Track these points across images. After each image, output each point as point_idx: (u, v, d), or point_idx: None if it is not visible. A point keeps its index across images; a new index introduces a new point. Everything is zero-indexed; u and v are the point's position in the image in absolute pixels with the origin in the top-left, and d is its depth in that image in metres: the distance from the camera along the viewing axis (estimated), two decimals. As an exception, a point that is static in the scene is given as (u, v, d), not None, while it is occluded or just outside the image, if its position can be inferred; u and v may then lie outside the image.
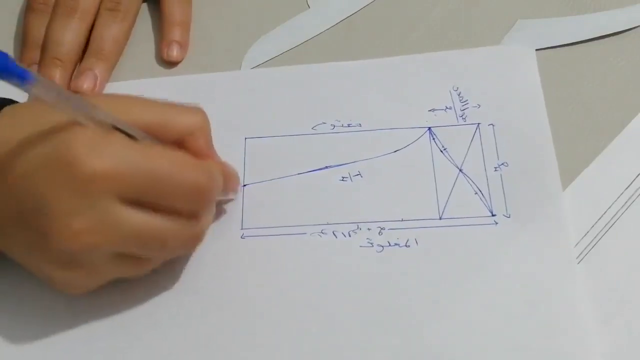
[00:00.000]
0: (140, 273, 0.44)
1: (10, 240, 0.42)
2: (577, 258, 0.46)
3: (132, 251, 0.42)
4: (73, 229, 0.39)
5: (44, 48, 0.55)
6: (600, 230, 0.46)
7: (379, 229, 0.47)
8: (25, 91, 0.35)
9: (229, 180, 0.47)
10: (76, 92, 0.53)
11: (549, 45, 0.54)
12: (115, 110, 0.41)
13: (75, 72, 0.55)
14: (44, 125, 0.39)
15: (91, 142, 0.39)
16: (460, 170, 0.49)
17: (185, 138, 0.43)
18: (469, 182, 0.49)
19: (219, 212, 0.48)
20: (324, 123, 0.52)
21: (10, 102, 0.44)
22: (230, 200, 0.49)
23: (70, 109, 0.38)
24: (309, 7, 0.58)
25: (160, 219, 0.41)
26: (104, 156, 0.39)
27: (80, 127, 0.39)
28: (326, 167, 0.50)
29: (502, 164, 0.49)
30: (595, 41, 0.54)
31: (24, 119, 0.41)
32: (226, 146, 0.50)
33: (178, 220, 0.42)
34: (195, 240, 0.44)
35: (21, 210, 0.40)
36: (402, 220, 0.48)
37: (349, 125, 0.51)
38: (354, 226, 0.47)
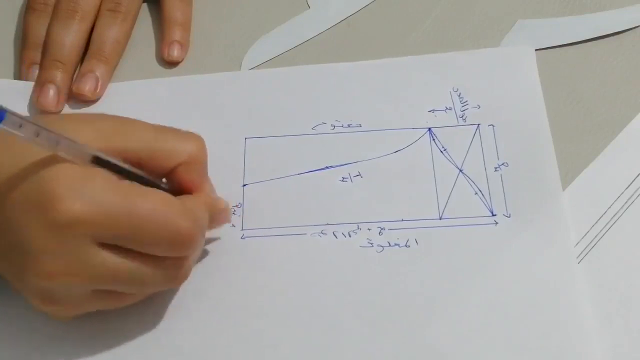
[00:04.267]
0: (123, 305, 0.43)
1: (1, 265, 0.41)
2: (577, 258, 0.46)
3: (109, 288, 0.41)
4: (48, 269, 0.38)
5: (44, 50, 0.55)
6: (600, 230, 0.46)
7: (379, 229, 0.47)
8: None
9: (218, 216, 0.45)
10: (78, 94, 0.53)
11: (549, 45, 0.54)
12: (98, 135, 0.40)
13: (76, 75, 0.55)
14: (28, 152, 0.38)
15: (72, 183, 0.38)
16: (461, 170, 0.49)
17: (177, 168, 0.42)
18: (469, 182, 0.49)
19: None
20: (324, 123, 0.52)
21: None
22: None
23: (49, 145, 0.37)
24: (309, 7, 0.58)
25: (137, 264, 0.40)
26: (84, 199, 0.38)
27: (62, 164, 0.38)
28: (326, 167, 0.50)
29: (502, 164, 0.49)
30: (595, 41, 0.54)
31: (7, 142, 0.39)
32: (226, 146, 0.50)
33: (158, 264, 0.41)
34: (178, 280, 0.43)
35: (5, 240, 0.39)
36: (402, 221, 0.48)
37: (349, 126, 0.51)
38: (354, 226, 0.48)
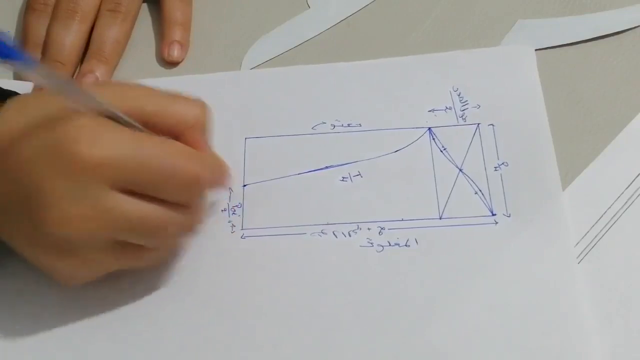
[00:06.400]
0: (137, 265, 0.44)
1: (10, 229, 0.42)
2: (577, 258, 0.46)
3: (125, 238, 0.42)
4: (67, 215, 0.39)
5: (45, 50, 0.55)
6: (600, 230, 0.46)
7: (379, 228, 0.47)
8: (27, 75, 0.36)
9: (219, 172, 0.46)
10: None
11: (549, 45, 0.54)
12: (113, 97, 0.42)
13: (76, 74, 0.55)
14: (47, 115, 0.40)
15: (88, 130, 0.39)
16: (461, 170, 0.49)
17: (182, 130, 0.44)
18: (469, 182, 0.49)
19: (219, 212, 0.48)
20: (324, 123, 0.52)
21: (15, 94, 0.44)
22: (222, 191, 0.48)
23: (69, 96, 0.39)
24: (309, 7, 0.58)
25: (152, 207, 0.41)
26: (101, 144, 0.39)
27: (78, 115, 0.40)
28: (326, 167, 0.50)
29: (502, 163, 0.49)
30: (595, 41, 0.54)
31: (29, 109, 0.42)
32: (226, 146, 0.50)
33: (170, 209, 0.42)
34: (188, 229, 0.44)
35: (19, 197, 0.40)
36: (402, 220, 0.48)
37: (349, 125, 0.51)
38: (354, 226, 0.48)
